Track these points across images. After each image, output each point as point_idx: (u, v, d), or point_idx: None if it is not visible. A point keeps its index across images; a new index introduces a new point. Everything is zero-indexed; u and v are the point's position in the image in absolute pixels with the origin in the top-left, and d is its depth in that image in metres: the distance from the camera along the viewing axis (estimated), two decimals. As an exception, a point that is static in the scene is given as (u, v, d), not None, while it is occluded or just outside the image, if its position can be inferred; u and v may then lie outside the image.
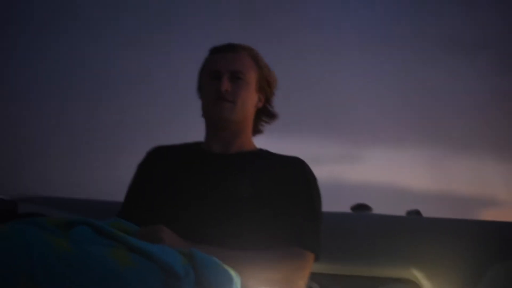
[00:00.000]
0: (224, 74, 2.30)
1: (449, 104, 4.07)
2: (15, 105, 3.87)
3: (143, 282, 1.72)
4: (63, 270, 1.65)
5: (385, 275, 2.45)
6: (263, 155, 2.35)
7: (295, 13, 3.96)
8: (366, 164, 4.05)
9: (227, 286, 1.88)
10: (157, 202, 2.26)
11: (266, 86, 2.37)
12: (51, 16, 3.89)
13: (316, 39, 3.90)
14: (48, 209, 2.59)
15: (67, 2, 3.93)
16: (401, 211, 2.66)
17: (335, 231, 2.43)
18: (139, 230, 2.04)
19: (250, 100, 2.33)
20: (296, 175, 2.27)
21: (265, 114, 2.40)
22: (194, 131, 2.41)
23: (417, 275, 2.40)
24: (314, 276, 2.25)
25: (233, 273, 1.91)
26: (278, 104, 2.42)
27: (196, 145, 2.39)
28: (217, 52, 2.36)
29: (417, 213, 2.55)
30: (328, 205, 2.33)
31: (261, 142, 2.42)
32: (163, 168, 2.34)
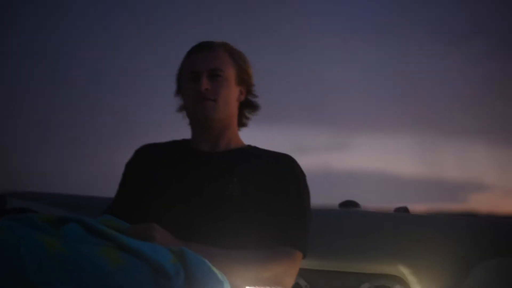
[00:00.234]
0: (202, 73, 2.29)
1: (437, 90, 4.06)
2: (4, 100, 3.85)
3: (133, 281, 1.73)
4: (56, 269, 1.65)
5: (372, 271, 2.45)
6: (251, 152, 2.35)
7: (280, 2, 3.94)
8: (354, 151, 4.05)
9: (216, 286, 1.88)
10: (146, 201, 2.26)
11: (247, 78, 2.36)
12: (43, 11, 3.87)
13: (303, 28, 3.88)
14: (39, 204, 2.58)
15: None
16: (390, 198, 2.66)
17: (323, 228, 2.44)
18: (130, 228, 2.03)
19: (232, 95, 2.32)
20: (284, 173, 2.27)
21: (248, 106, 2.39)
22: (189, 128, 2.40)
23: (404, 271, 2.40)
24: (301, 272, 2.26)
25: (220, 275, 1.92)
26: (264, 93, 2.41)
27: (184, 142, 2.39)
28: (192, 53, 2.35)
29: (405, 210, 2.56)
30: (317, 193, 2.32)
31: (248, 131, 2.41)
32: (151, 167, 2.34)
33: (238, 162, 2.29)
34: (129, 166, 2.40)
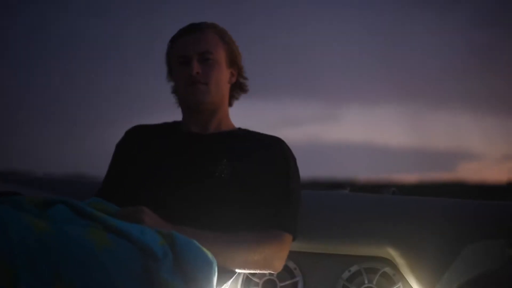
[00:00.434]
0: (192, 57, 2.27)
1: (423, 60, 4.06)
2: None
3: (120, 262, 1.72)
4: (42, 252, 1.64)
5: (361, 253, 2.46)
6: (241, 134, 2.35)
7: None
8: (343, 123, 4.05)
9: (206, 269, 1.89)
10: (136, 183, 2.26)
11: (237, 60, 2.34)
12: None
13: (291, 1, 3.85)
14: (25, 187, 2.57)
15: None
16: (378, 168, 2.66)
17: (312, 210, 2.44)
18: (120, 211, 2.03)
19: (223, 78, 2.32)
20: (274, 155, 2.27)
21: (238, 88, 2.38)
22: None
23: (393, 253, 2.41)
24: (290, 255, 2.26)
25: (211, 256, 1.92)
26: (254, 67, 2.40)
27: (175, 124, 2.39)
28: (181, 35, 2.33)
29: (393, 192, 2.55)
30: (307, 165, 2.33)
31: (239, 106, 2.41)
32: (142, 148, 2.34)
33: (228, 144, 2.29)
34: (120, 146, 2.39)
